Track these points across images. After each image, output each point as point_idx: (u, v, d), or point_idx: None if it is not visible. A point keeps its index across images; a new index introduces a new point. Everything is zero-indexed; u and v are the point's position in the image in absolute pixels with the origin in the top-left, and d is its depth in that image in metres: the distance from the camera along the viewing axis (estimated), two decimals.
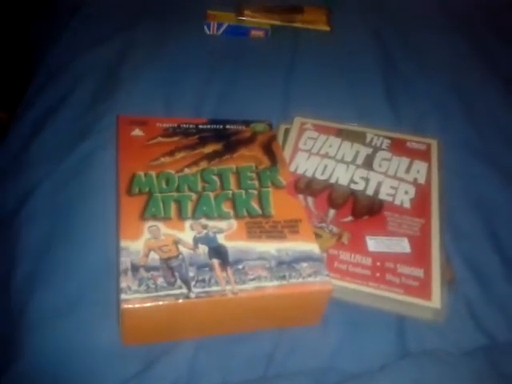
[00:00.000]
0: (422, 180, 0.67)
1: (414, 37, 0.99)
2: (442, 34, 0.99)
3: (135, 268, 0.51)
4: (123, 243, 0.54)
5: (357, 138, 0.73)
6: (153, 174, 0.63)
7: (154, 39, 0.93)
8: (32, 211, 0.66)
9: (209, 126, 0.73)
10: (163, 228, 0.56)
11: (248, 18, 1.01)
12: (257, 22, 1.01)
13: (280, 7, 1.04)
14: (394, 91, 0.86)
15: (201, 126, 0.72)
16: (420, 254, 0.58)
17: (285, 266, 0.54)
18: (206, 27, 0.98)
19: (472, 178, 0.73)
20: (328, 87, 0.87)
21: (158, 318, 0.51)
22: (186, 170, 0.64)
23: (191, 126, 0.72)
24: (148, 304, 0.49)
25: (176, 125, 0.72)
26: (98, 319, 0.55)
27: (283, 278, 0.53)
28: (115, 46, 0.91)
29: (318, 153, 0.71)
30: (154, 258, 0.53)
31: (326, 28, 1.02)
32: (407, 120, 0.81)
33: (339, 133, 0.74)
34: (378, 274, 0.56)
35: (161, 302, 0.49)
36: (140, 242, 0.54)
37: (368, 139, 0.73)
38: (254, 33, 1.00)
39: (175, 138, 0.69)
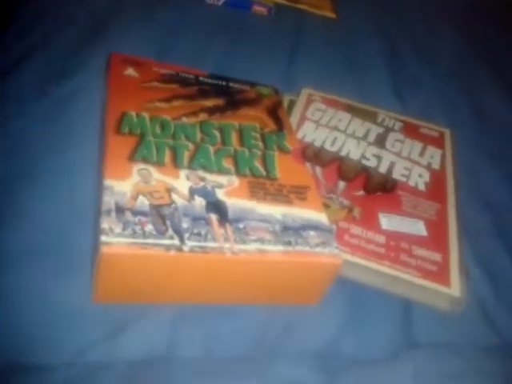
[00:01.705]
0: (436, 166, 0.62)
1: (419, 31, 0.96)
2: (447, 30, 0.97)
3: (120, 210, 0.43)
4: (107, 182, 0.45)
5: (368, 116, 0.68)
6: (146, 116, 0.55)
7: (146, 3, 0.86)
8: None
9: (210, 80, 0.66)
10: (155, 173, 0.48)
11: None
12: None
13: None
14: (399, 82, 0.82)
15: (201, 78, 0.65)
16: (437, 238, 0.52)
17: (290, 231, 0.47)
18: None
19: (480, 175, 0.69)
20: (332, 71, 0.81)
21: (142, 271, 0.42)
22: (184, 119, 0.57)
23: (190, 76, 0.65)
24: (133, 251, 0.41)
25: (174, 72, 0.64)
26: (63, 269, 0.46)
27: (288, 243, 0.46)
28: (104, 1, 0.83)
29: (326, 125, 0.65)
30: (143, 202, 0.45)
31: (332, 15, 0.98)
32: (413, 112, 0.76)
33: (349, 109, 0.69)
34: (392, 254, 0.50)
35: (148, 251, 0.41)
36: (127, 184, 0.46)
37: (379, 119, 0.68)
38: (256, 8, 0.94)
39: (173, 86, 0.62)
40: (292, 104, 0.70)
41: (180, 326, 0.45)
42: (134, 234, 0.42)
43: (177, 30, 0.82)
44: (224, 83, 0.66)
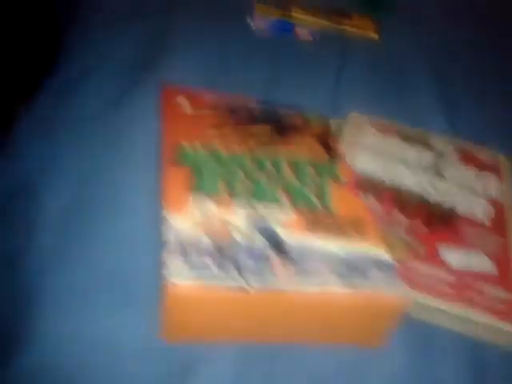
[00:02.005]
0: (494, 194, 0.60)
1: (465, 52, 0.94)
2: (496, 49, 0.94)
3: (183, 249, 0.42)
4: (168, 216, 0.45)
5: (419, 141, 0.66)
6: (199, 146, 0.54)
7: (194, 25, 0.84)
8: (54, 180, 0.56)
9: (258, 106, 0.65)
10: (212, 206, 0.47)
11: (296, 15, 0.95)
12: (304, 20, 0.95)
13: (328, 11, 0.98)
14: (447, 105, 0.79)
15: (250, 105, 0.64)
16: (504, 275, 0.50)
17: (352, 269, 0.46)
18: (250, 19, 0.90)
19: None
20: (377, 94, 0.79)
21: (207, 310, 0.41)
22: (235, 148, 0.56)
23: (239, 102, 0.64)
24: (199, 291, 0.40)
25: (223, 99, 0.63)
26: (122, 306, 0.45)
27: (351, 282, 0.45)
28: (152, 25, 0.82)
29: (377, 151, 0.63)
30: (204, 239, 0.44)
31: (375, 36, 0.97)
32: (464, 136, 0.73)
33: (399, 134, 0.67)
34: (460, 292, 0.47)
35: (214, 292, 0.40)
36: (188, 218, 0.45)
37: (431, 144, 0.66)
38: (299, 30, 0.93)
39: (222, 113, 0.61)
40: (339, 129, 0.68)
41: (243, 366, 0.44)
42: (199, 275, 0.40)
43: (222, 55, 0.80)
44: (272, 109, 0.65)
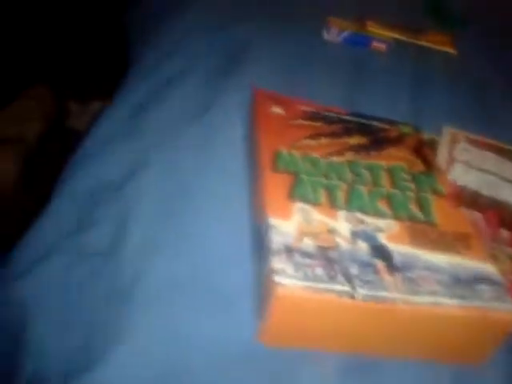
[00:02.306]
0: None
1: None
2: None
3: (289, 250, 0.42)
4: (273, 221, 0.45)
5: None
6: (297, 154, 0.54)
7: (271, 37, 0.87)
8: (145, 181, 0.58)
9: (352, 118, 0.65)
10: (315, 213, 0.47)
11: (372, 29, 0.95)
12: (380, 34, 0.95)
13: (403, 25, 0.98)
14: None
15: (343, 117, 0.64)
16: None
17: (461, 284, 0.44)
18: (325, 32, 0.92)
19: None
20: (460, 109, 0.77)
21: (311, 315, 0.41)
22: (333, 158, 0.56)
23: (333, 114, 0.64)
24: (307, 294, 0.39)
25: (316, 110, 0.64)
26: (222, 309, 0.46)
27: (462, 297, 0.43)
28: (229, 36, 0.85)
29: (476, 166, 0.61)
30: (309, 243, 0.44)
31: (452, 50, 0.95)
32: None
33: (497, 150, 0.65)
34: None
35: (321, 296, 0.40)
36: (291, 223, 0.45)
37: None
38: (375, 44, 0.93)
39: (318, 123, 0.61)
40: (433, 143, 0.67)
41: (345, 378, 0.43)
42: (305, 277, 0.40)
43: (298, 66, 0.82)
44: (365, 121, 0.64)
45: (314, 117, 0.62)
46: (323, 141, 0.58)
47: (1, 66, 1.44)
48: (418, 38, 0.97)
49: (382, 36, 0.94)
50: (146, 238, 0.52)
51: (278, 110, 0.62)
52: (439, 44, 0.97)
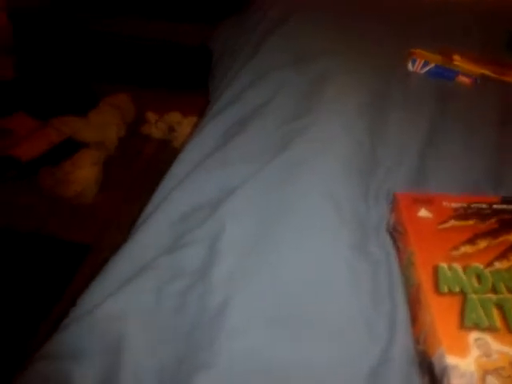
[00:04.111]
0: None
1: None
2: None
3: None
4: (451, 359, 0.45)
5: None
6: (458, 267, 0.54)
7: (356, 68, 0.89)
8: (234, 209, 0.63)
9: (505, 207, 0.62)
10: (492, 342, 0.46)
11: (457, 63, 0.93)
12: (466, 69, 0.92)
13: (489, 60, 0.95)
14: None
15: (495, 206, 0.62)
16: None
17: None
18: (410, 63, 0.92)
19: None
20: None
21: None
22: (497, 264, 0.54)
23: (484, 205, 0.62)
24: None
25: (466, 204, 0.62)
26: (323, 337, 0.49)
27: None
28: (315, 68, 0.88)
29: None
30: (491, 381, 0.43)
31: None
32: None
33: None
34: None
35: None
36: (470, 360, 0.45)
37: None
38: (461, 78, 0.91)
39: (470, 222, 0.60)
40: None
41: None
42: None
43: (382, 98, 0.83)
44: None
45: (464, 214, 0.61)
46: (482, 244, 0.57)
47: (84, 73, 1.59)
48: (506, 73, 0.92)
49: (468, 70, 0.92)
50: (237, 262, 0.56)
51: (426, 213, 0.62)
52: None
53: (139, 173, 0.75)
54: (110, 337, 0.50)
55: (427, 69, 0.92)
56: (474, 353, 0.45)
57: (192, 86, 1.51)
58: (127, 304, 0.53)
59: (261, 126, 0.76)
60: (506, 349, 0.45)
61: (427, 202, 0.63)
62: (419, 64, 0.92)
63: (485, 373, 0.44)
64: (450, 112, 0.82)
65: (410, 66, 0.93)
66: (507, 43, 1.01)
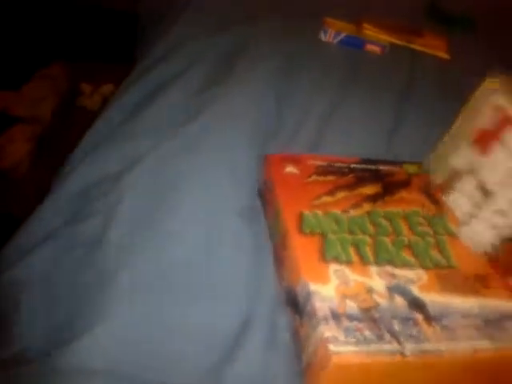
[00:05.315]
0: None
1: None
2: None
3: (336, 316, 0.46)
4: (313, 286, 0.48)
5: None
6: (319, 213, 0.58)
7: (270, 38, 0.91)
8: (134, 181, 0.63)
9: (362, 166, 0.68)
10: (349, 273, 0.51)
11: (367, 32, 0.98)
12: (375, 37, 0.98)
13: (400, 27, 1.01)
14: None
15: (353, 166, 0.68)
16: None
17: (489, 323, 0.48)
18: (322, 33, 0.95)
19: None
20: (444, 113, 0.80)
21: (365, 379, 0.44)
22: (352, 211, 0.59)
23: (343, 165, 0.68)
24: (361, 359, 0.43)
25: (327, 163, 0.68)
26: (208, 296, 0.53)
27: (493, 338, 0.47)
28: (231, 37, 0.89)
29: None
30: (351, 306, 0.47)
31: (445, 56, 0.98)
32: None
33: None
34: None
35: (375, 358, 0.43)
36: (330, 287, 0.49)
37: None
38: (370, 47, 0.96)
39: (331, 177, 0.65)
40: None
41: None
42: (356, 342, 0.44)
43: (293, 66, 0.86)
44: (374, 167, 0.68)
45: (325, 171, 0.66)
46: (340, 195, 0.62)
47: (16, 45, 1.50)
48: (413, 42, 0.98)
49: (377, 39, 0.97)
50: (131, 230, 0.58)
51: (292, 169, 0.66)
52: (433, 49, 0.99)
53: (74, 145, 0.73)
54: (9, 302, 0.54)
55: (339, 38, 0.94)
56: (334, 281, 0.49)
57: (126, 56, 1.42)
58: (25, 273, 0.57)
59: (169, 99, 0.75)
60: (360, 278, 0.50)
61: (294, 161, 0.67)
62: (331, 33, 0.94)
63: (344, 297, 0.48)
64: (357, 79, 0.86)
65: (322, 36, 0.94)
66: (429, 11, 1.06)
